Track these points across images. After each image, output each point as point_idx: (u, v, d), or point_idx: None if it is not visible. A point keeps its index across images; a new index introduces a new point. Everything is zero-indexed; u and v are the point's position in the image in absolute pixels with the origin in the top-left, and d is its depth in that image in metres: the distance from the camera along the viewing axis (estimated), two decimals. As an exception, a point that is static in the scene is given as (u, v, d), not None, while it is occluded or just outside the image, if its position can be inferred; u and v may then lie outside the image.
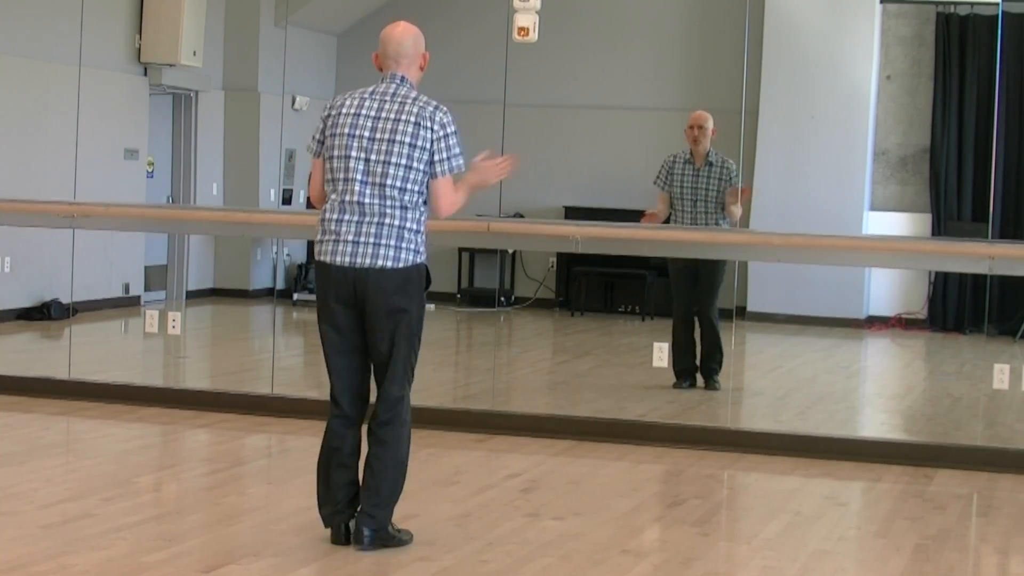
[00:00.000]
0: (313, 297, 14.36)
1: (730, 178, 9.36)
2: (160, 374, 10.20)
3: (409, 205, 5.26)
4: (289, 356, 11.38)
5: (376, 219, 5.24)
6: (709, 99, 13.30)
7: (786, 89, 14.22)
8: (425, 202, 5.33)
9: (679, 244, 8.47)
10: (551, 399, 9.47)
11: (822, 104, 14.16)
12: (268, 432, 7.81)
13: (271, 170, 14.62)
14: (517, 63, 9.25)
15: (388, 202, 5.24)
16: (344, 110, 5.32)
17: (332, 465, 5.33)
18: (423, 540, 5.46)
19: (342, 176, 5.28)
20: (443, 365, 10.97)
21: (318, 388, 9.89)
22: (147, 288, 13.69)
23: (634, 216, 9.59)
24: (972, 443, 7.95)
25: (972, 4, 13.91)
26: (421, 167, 5.26)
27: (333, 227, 5.28)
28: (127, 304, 13.25)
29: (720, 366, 9.38)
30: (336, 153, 5.30)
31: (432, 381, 9.27)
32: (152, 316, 10.09)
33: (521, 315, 14.52)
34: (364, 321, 5.30)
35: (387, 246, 5.23)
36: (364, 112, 5.29)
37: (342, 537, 5.33)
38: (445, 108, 5.35)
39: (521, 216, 12.00)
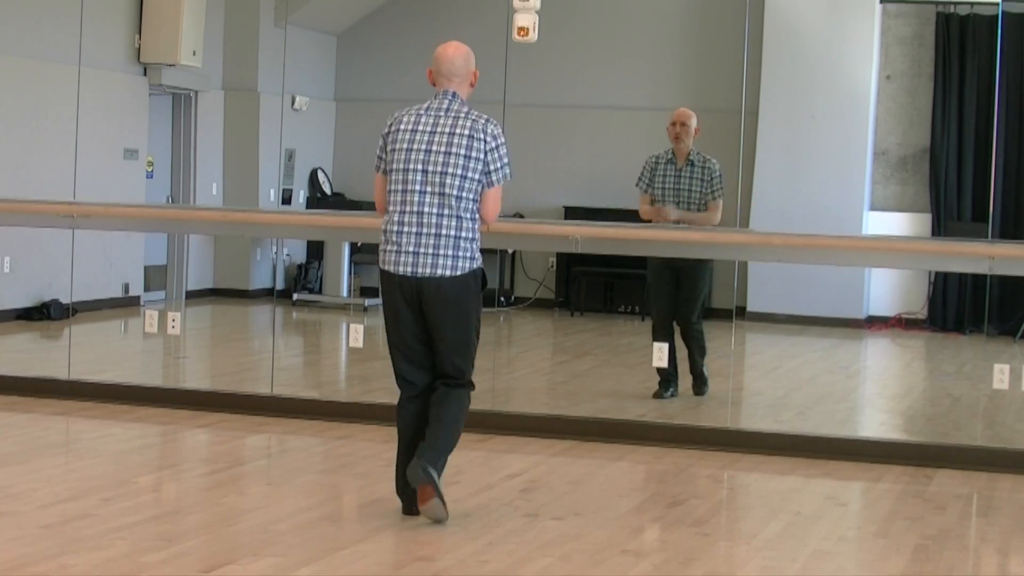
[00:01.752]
0: (312, 297, 14.60)
1: (712, 178, 8.95)
2: (160, 374, 10.19)
3: (464, 215, 5.66)
4: (288, 356, 11.38)
5: (434, 230, 5.64)
6: (709, 99, 13.32)
7: (786, 89, 14.22)
8: (478, 210, 5.71)
9: (679, 244, 8.40)
10: (551, 399, 9.46)
11: (822, 104, 14.15)
12: (268, 432, 7.81)
13: (271, 170, 14.62)
14: (517, 63, 9.23)
15: (446, 211, 5.64)
16: (402, 126, 5.73)
17: (409, 442, 5.74)
18: (423, 540, 5.46)
19: (401, 188, 5.69)
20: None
21: (318, 388, 9.90)
22: (147, 288, 13.69)
23: (634, 216, 9.52)
24: (972, 443, 7.94)
25: (972, 4, 13.91)
26: (476, 176, 5.67)
27: (395, 238, 5.69)
28: (127, 304, 13.25)
29: (705, 375, 9.15)
30: (396, 167, 5.70)
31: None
32: (152, 316, 10.07)
33: (521, 315, 14.52)
34: (426, 318, 5.73)
35: (445, 256, 5.66)
36: (420, 128, 5.70)
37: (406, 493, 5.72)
38: (495, 121, 5.75)
39: (521, 216, 11.98)
